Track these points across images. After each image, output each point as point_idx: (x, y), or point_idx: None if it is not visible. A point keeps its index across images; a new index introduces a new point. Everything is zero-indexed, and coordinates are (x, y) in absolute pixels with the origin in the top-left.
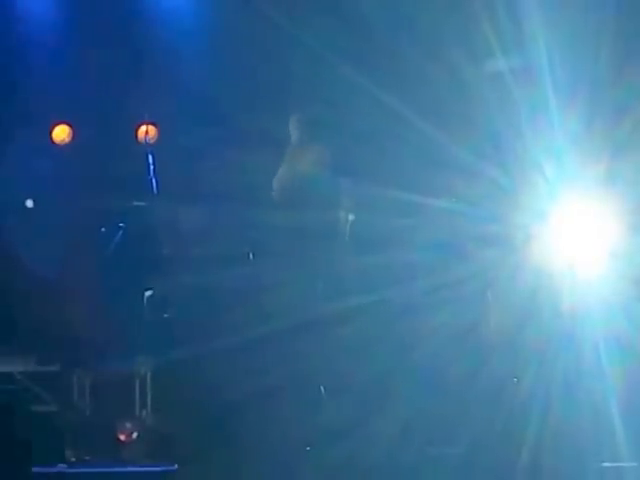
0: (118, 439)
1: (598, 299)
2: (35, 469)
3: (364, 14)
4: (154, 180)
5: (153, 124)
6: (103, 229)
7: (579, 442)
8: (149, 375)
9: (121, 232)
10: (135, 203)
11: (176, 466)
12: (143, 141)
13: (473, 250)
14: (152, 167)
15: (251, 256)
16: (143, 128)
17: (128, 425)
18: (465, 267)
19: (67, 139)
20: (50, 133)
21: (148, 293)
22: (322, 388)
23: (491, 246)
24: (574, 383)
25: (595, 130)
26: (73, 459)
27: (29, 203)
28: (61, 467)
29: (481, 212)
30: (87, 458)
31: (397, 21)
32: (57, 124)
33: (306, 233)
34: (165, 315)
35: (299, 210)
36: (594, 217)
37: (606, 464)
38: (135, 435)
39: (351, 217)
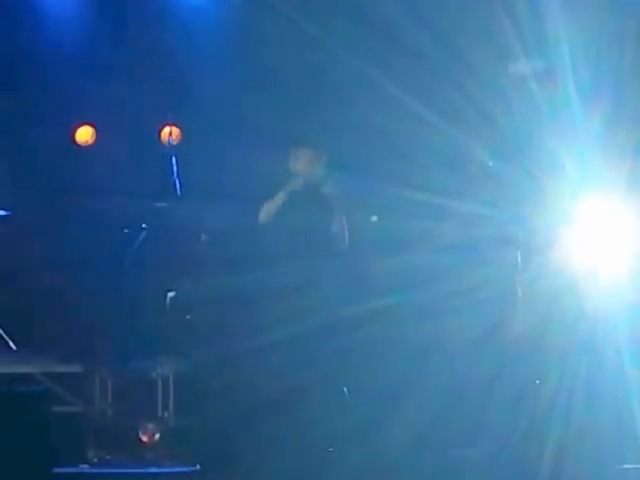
0: (140, 440)
1: (621, 301)
2: (57, 469)
3: (387, 16)
4: (177, 181)
5: (176, 125)
6: (126, 230)
7: (601, 444)
8: (171, 376)
9: (144, 233)
10: (158, 204)
11: (198, 467)
12: (166, 142)
13: (496, 252)
14: (175, 168)
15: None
16: (166, 129)
17: (150, 426)
18: (488, 269)
19: (90, 140)
20: (73, 134)
21: (171, 294)
22: (345, 390)
23: (514, 248)
24: (596, 385)
25: (618, 131)
26: (95, 460)
27: None
28: (83, 467)
29: (504, 214)
30: (109, 458)
31: (419, 23)
32: (80, 125)
33: (328, 235)
34: (187, 316)
35: (322, 212)
36: (617, 218)
37: (628, 466)
38: (157, 436)
39: (374, 219)
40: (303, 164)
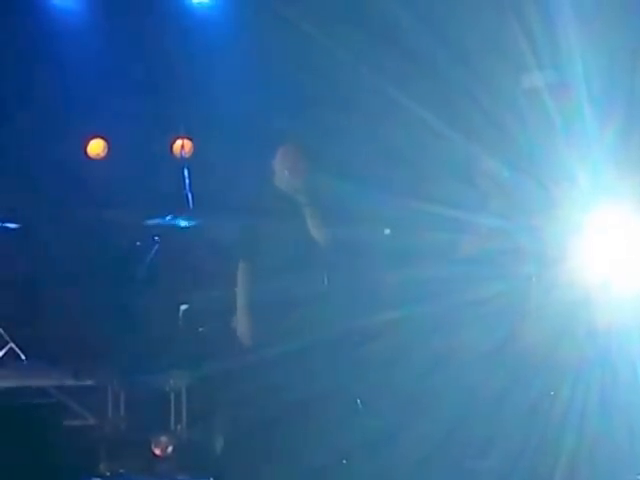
0: (153, 453)
1: (635, 313)
2: None
3: (400, 28)
4: (189, 194)
5: (189, 138)
6: (138, 243)
7: (615, 456)
8: (184, 389)
9: (156, 246)
10: (170, 217)
11: None
12: (179, 155)
13: (509, 265)
14: (187, 181)
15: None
16: (179, 142)
17: (163, 439)
18: (501, 281)
19: (102, 153)
20: (85, 147)
21: (184, 307)
22: (358, 402)
23: (527, 260)
24: (610, 397)
25: (631, 143)
26: (108, 473)
27: None
28: None
29: (517, 226)
30: (122, 472)
31: (433, 36)
32: (92, 138)
33: (342, 247)
34: (200, 329)
35: (336, 224)
36: (631, 230)
37: None
38: (170, 449)
39: (387, 231)
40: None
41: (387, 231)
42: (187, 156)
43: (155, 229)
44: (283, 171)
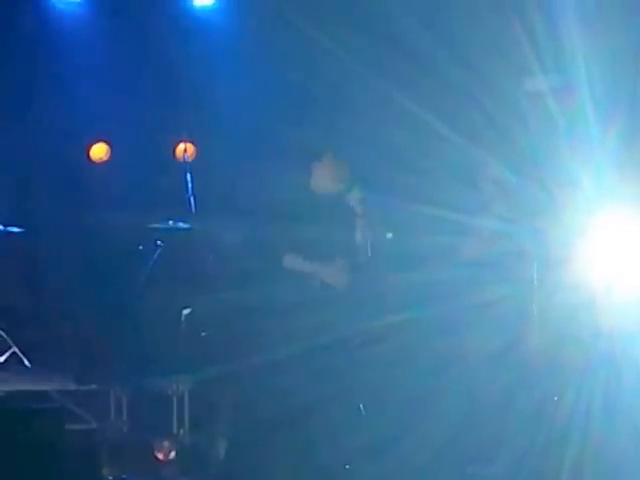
0: (156, 457)
1: (638, 316)
2: None
3: (402, 31)
4: (192, 198)
5: (191, 142)
6: (141, 247)
7: (619, 461)
8: (187, 393)
9: (159, 250)
10: (173, 221)
11: None
12: (181, 159)
13: (512, 268)
14: (190, 185)
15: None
16: (181, 146)
17: (166, 444)
18: (504, 285)
19: (105, 157)
20: (88, 151)
21: (186, 311)
22: (361, 406)
23: (530, 264)
24: (614, 401)
25: (634, 147)
26: (110, 477)
27: None
28: None
29: (520, 230)
30: (124, 476)
31: (437, 40)
32: (95, 142)
33: (346, 251)
34: (203, 333)
35: (337, 227)
36: (634, 233)
37: None
38: (173, 454)
39: (389, 235)
40: (326, 178)
41: (389, 236)
42: (190, 160)
43: (158, 233)
44: (332, 179)
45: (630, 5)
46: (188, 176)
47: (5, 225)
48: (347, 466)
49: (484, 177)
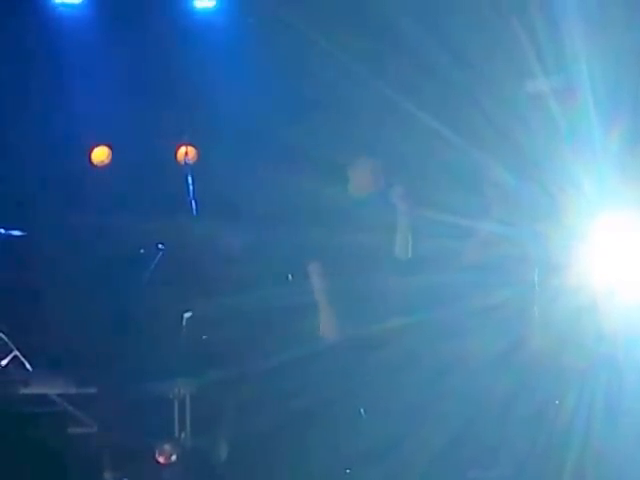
0: (157, 461)
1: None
2: None
3: (406, 36)
4: (194, 201)
5: (193, 145)
6: (142, 250)
7: (621, 465)
8: (188, 396)
9: (160, 253)
10: (174, 224)
11: None
12: (183, 162)
13: (514, 271)
14: (191, 188)
15: (290, 277)
16: (183, 149)
17: (167, 447)
18: (506, 289)
19: (106, 161)
20: (89, 155)
21: (187, 314)
22: (362, 410)
23: (532, 267)
24: (616, 405)
25: (636, 149)
26: None
27: None
28: None
29: (522, 233)
30: None
31: (437, 40)
32: (96, 146)
33: (347, 254)
34: (204, 336)
35: (344, 231)
36: (636, 236)
37: None
38: (174, 457)
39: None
40: (367, 178)
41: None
42: (191, 163)
43: (159, 236)
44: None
45: (632, 5)
46: (189, 179)
47: (6, 229)
48: (348, 470)
49: (486, 180)
